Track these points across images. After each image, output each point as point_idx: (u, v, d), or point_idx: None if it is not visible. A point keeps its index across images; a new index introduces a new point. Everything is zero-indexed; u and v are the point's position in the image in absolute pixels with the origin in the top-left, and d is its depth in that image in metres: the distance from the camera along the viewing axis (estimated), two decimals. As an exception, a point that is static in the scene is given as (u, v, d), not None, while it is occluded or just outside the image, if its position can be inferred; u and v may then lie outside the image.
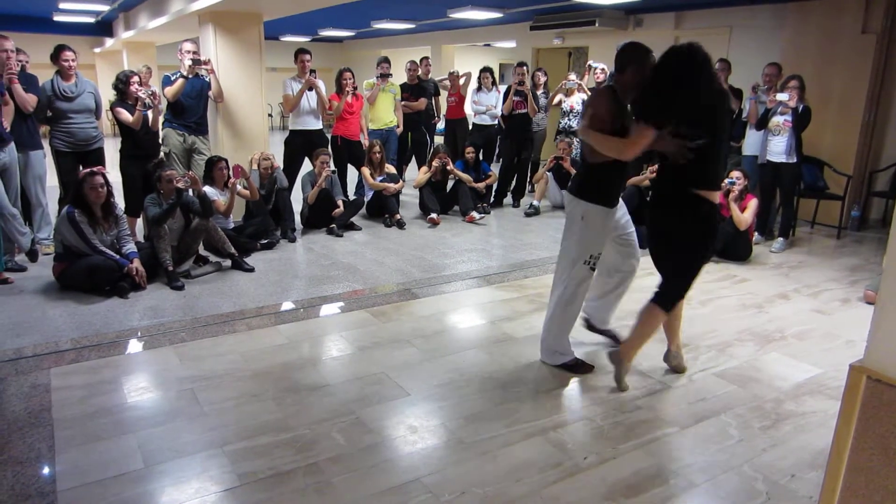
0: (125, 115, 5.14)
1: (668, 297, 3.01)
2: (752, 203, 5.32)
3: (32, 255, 4.96)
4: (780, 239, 5.83)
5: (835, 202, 6.38)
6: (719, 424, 2.81)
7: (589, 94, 7.29)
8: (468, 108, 7.93)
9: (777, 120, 5.62)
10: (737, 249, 5.31)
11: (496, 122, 7.49)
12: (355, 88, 6.68)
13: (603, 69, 7.28)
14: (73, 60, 5.08)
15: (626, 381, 3.11)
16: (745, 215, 5.22)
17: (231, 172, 5.35)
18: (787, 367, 3.40)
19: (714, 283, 4.76)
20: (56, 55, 5.06)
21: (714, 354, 3.51)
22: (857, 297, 4.54)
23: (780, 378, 3.27)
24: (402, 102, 7.31)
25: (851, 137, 6.53)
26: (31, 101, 4.82)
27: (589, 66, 7.57)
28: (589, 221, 3.03)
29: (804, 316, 4.17)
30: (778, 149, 5.66)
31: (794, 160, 5.64)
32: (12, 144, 4.72)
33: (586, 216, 3.02)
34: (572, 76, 7.59)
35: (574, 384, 3.18)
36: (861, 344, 1.62)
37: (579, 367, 3.27)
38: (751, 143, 6.12)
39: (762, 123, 5.73)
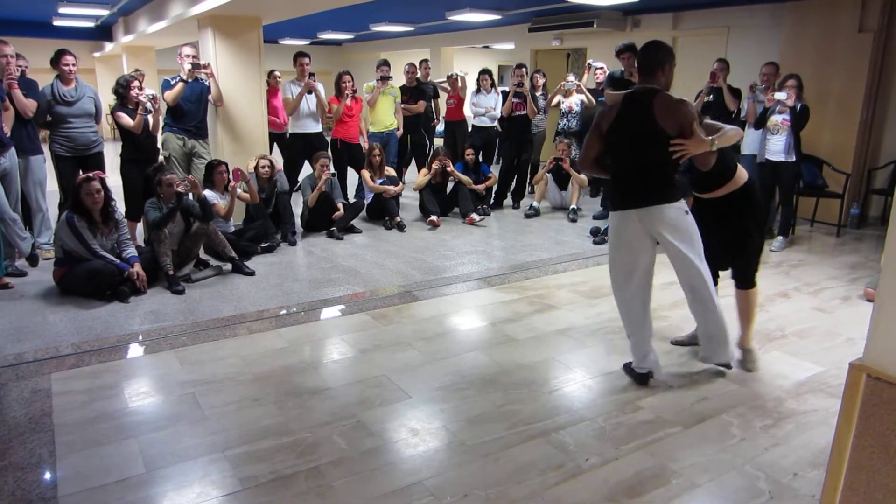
0: (126, 120, 5.14)
1: (746, 275, 3.30)
2: (752, 202, 5.31)
3: (33, 260, 4.97)
4: (780, 237, 5.83)
5: (834, 200, 6.39)
6: (721, 424, 2.81)
7: (588, 94, 7.31)
8: (467, 110, 7.93)
9: (775, 119, 5.62)
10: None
11: (495, 123, 7.49)
12: (354, 91, 6.68)
13: (602, 68, 7.27)
14: (73, 65, 5.09)
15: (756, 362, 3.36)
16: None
17: (231, 176, 5.36)
18: (788, 366, 3.39)
19: (714, 282, 4.75)
20: (56, 60, 5.07)
21: (715, 354, 3.51)
22: (858, 294, 4.54)
23: (782, 377, 3.27)
24: (402, 105, 7.32)
25: (850, 135, 6.53)
26: (30, 106, 4.83)
27: (588, 65, 7.56)
28: (689, 214, 3.03)
29: (805, 314, 4.17)
30: (777, 148, 5.65)
31: (793, 159, 5.64)
32: (12, 149, 4.72)
33: (688, 210, 3.04)
34: (571, 77, 7.57)
35: (575, 385, 3.18)
36: (862, 342, 1.62)
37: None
38: (749, 142, 6.10)
39: (760, 122, 5.73)
